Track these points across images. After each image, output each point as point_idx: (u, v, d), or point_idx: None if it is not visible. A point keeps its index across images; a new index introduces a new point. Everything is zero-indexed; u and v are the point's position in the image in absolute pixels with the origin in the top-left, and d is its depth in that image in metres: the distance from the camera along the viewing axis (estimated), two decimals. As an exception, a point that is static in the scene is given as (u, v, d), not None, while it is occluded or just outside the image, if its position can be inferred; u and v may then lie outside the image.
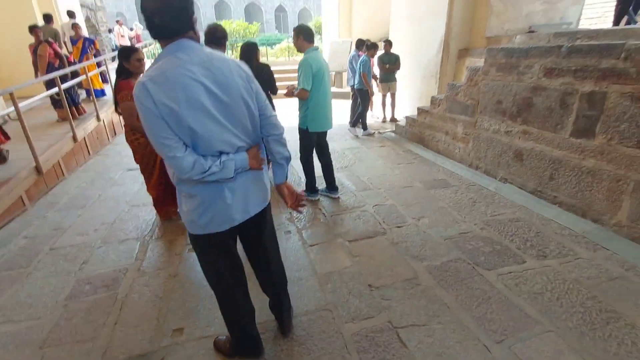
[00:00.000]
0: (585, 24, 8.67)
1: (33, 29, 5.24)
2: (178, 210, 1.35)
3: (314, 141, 3.26)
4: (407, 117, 5.53)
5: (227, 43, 3.09)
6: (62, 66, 5.33)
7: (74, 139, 4.70)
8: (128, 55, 2.58)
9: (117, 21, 13.18)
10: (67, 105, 4.72)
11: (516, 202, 3.19)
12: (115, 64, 3.25)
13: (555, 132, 3.00)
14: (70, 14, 7.44)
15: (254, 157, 1.28)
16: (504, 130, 3.53)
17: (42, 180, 3.87)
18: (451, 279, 2.20)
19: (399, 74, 6.14)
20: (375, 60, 6.02)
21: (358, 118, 5.82)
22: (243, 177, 1.29)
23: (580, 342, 1.70)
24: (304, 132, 3.18)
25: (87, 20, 11.47)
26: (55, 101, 5.31)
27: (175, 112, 1.06)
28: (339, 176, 3.93)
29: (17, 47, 6.79)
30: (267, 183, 1.45)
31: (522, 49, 3.24)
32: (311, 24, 19.04)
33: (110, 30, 13.38)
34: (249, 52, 3.31)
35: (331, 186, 3.46)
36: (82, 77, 5.93)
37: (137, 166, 2.94)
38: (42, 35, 5.31)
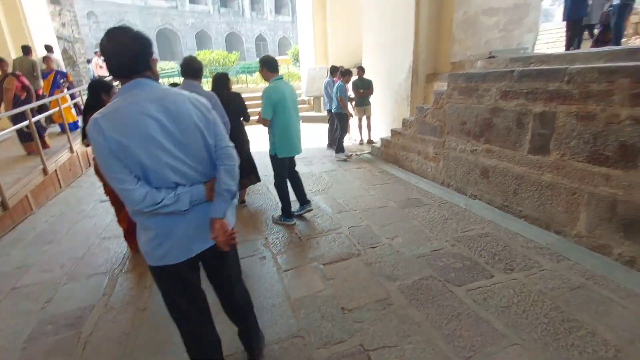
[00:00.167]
0: (543, 47, 9.40)
1: None
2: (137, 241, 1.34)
3: (285, 166, 3.33)
4: (382, 139, 5.72)
5: (207, 71, 3.19)
6: (29, 99, 5.19)
7: (45, 171, 4.60)
8: (109, 89, 2.63)
9: (96, 52, 13.24)
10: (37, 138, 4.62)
11: (485, 217, 3.30)
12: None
13: (515, 150, 3.17)
14: (48, 49, 7.46)
15: (211, 189, 1.31)
16: (470, 149, 3.70)
17: (8, 216, 3.73)
18: (422, 297, 2.23)
19: (373, 98, 6.38)
20: (350, 85, 6.27)
21: (339, 141, 5.94)
22: (201, 208, 1.31)
23: (544, 353, 1.74)
24: (274, 158, 3.27)
25: (65, 52, 11.49)
26: (22, 135, 5.15)
27: (124, 146, 1.11)
28: (316, 199, 3.97)
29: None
30: (228, 211, 1.46)
31: (480, 73, 3.47)
32: (290, 52, 19.70)
33: (88, 61, 13.44)
34: (220, 82, 3.48)
35: (302, 200, 3.53)
36: (52, 111, 5.83)
37: (110, 197, 2.90)
38: (11, 68, 5.24)
